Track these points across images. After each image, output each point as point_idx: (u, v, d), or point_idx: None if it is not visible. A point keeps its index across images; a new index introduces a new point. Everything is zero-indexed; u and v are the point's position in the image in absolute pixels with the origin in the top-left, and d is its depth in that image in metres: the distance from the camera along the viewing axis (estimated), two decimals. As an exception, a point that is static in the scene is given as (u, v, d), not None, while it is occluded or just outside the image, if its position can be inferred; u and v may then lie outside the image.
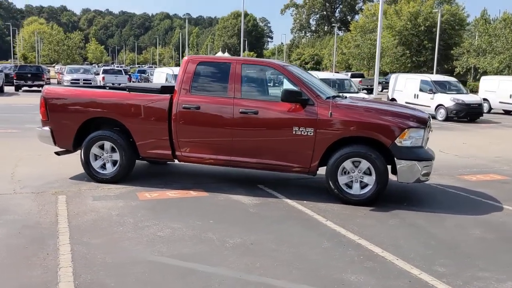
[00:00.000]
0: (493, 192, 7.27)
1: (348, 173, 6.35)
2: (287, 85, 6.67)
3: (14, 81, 30.49)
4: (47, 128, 7.20)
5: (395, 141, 6.16)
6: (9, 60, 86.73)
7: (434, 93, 19.44)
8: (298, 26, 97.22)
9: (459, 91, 20.02)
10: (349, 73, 47.49)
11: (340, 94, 7.67)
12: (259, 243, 4.82)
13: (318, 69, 69.22)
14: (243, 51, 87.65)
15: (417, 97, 20.10)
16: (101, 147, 7.02)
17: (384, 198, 6.58)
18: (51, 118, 7.15)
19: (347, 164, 6.31)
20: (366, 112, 6.39)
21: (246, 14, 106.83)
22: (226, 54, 74.64)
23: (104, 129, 7.10)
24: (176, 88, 6.80)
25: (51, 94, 7.19)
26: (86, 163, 7.04)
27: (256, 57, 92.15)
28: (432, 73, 42.64)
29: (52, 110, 7.12)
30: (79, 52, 75.52)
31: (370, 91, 35.41)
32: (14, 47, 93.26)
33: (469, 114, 18.90)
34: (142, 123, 6.85)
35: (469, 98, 19.44)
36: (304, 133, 6.34)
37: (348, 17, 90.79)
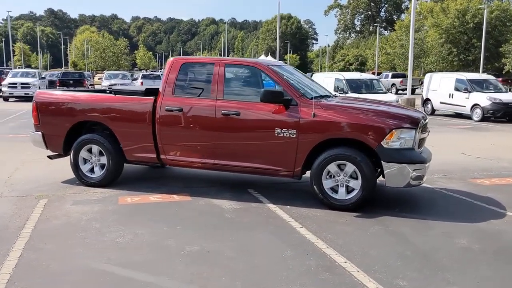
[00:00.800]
0: (502, 198, 6.69)
1: (334, 177, 6.00)
2: (271, 85, 6.39)
3: (57, 87, 31.59)
4: (39, 132, 7.26)
5: (382, 143, 5.76)
6: (62, 68, 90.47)
7: (470, 92, 18.50)
8: (342, 27, 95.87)
9: (497, 90, 18.96)
10: (390, 73, 46.34)
11: (333, 93, 7.30)
12: (217, 251, 4.57)
13: (363, 70, 68.11)
14: (285, 54, 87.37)
15: (452, 97, 19.23)
16: (90, 151, 7.00)
17: (377, 202, 6.22)
18: (42, 122, 7.20)
19: (332, 167, 5.96)
20: (351, 112, 6.02)
21: (290, 17, 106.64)
22: (269, 57, 74.58)
23: (93, 132, 7.08)
24: (160, 90, 6.68)
25: (42, 98, 7.24)
26: (75, 167, 7.04)
27: (299, 59, 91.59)
28: (479, 71, 40.78)
29: (43, 115, 7.17)
30: (125, 58, 77.58)
31: (412, 91, 34.17)
32: (67, 55, 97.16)
33: (507, 113, 17.83)
34: (127, 126, 6.76)
35: (507, 96, 18.34)
36: (286, 135, 6.05)
37: (394, 16, 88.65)
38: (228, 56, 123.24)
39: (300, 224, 5.41)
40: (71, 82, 32.26)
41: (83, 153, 7.00)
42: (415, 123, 5.93)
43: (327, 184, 6.01)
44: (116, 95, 7.02)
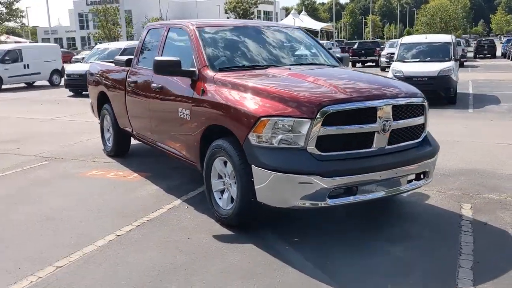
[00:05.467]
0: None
1: (222, 177, 4.36)
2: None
3: (350, 56, 32.17)
4: (90, 101, 7.85)
5: (248, 137, 3.80)
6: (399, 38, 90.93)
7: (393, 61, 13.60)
8: None
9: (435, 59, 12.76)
10: None
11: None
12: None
13: None
14: None
15: None
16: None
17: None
18: (90, 92, 7.75)
19: (217, 164, 4.33)
20: (234, 89, 4.15)
21: None
22: None
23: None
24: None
25: (89, 70, 7.73)
26: (102, 134, 7.35)
27: None
28: None
29: (88, 85, 7.70)
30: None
31: None
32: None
33: None
34: (114, 97, 6.61)
35: (418, 68, 12.21)
36: (184, 116, 4.73)
37: None
38: None
39: (136, 225, 4.22)
40: (363, 52, 32.36)
41: (105, 122, 7.23)
42: (308, 109, 3.61)
43: (215, 185, 4.41)
44: (115, 66, 6.85)
